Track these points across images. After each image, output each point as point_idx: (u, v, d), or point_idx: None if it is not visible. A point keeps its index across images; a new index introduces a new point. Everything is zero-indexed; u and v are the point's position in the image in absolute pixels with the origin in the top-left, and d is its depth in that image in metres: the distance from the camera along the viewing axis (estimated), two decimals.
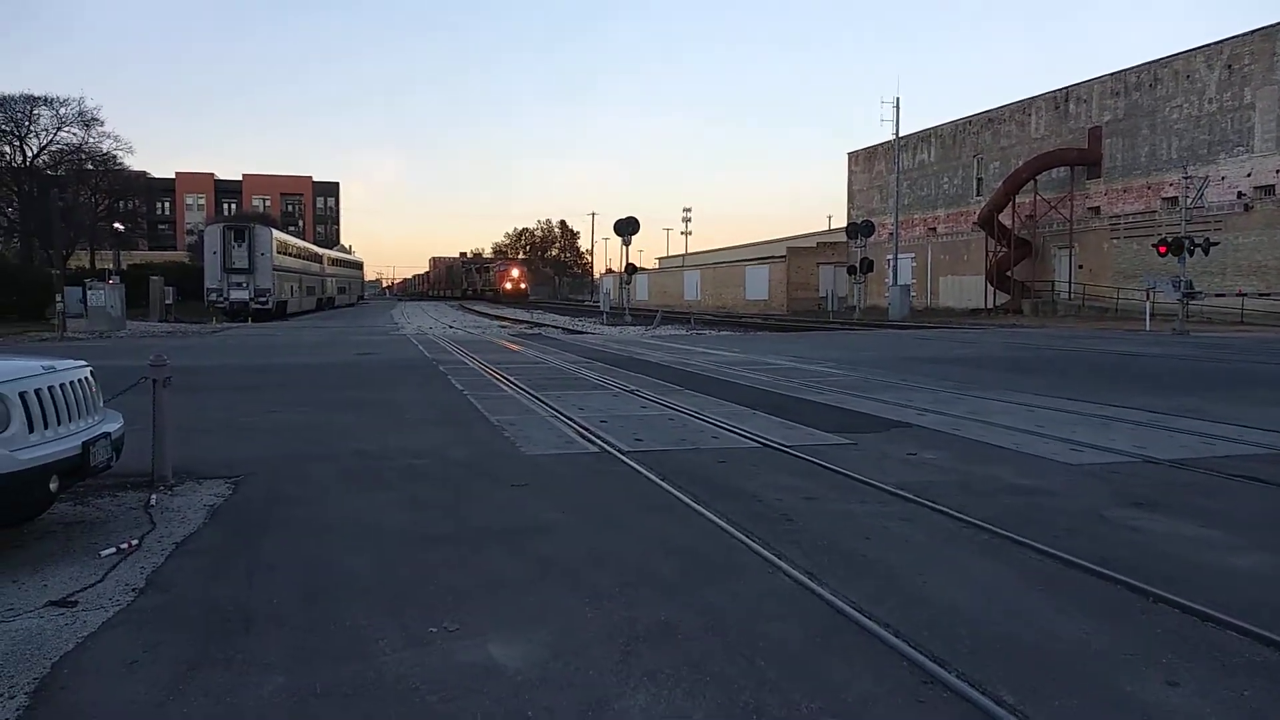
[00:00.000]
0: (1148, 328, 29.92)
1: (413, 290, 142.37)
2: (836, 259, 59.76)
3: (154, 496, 6.27)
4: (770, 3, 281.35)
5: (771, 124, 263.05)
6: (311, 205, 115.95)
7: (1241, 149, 36.01)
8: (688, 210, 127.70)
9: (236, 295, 44.45)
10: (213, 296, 44.44)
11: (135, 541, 5.21)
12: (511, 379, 14.41)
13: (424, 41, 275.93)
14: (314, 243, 76.07)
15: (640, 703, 3.26)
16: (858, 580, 4.55)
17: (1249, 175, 35.61)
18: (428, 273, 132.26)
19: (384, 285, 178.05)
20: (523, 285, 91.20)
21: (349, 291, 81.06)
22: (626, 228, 41.95)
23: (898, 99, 52.59)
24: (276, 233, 49.77)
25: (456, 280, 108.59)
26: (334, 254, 77.02)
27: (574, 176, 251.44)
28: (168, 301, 42.43)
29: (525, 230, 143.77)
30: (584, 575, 4.65)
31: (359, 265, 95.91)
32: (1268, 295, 32.58)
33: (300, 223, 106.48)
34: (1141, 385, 13.71)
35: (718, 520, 5.66)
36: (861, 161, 64.36)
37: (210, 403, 11.46)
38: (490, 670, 3.52)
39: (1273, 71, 34.80)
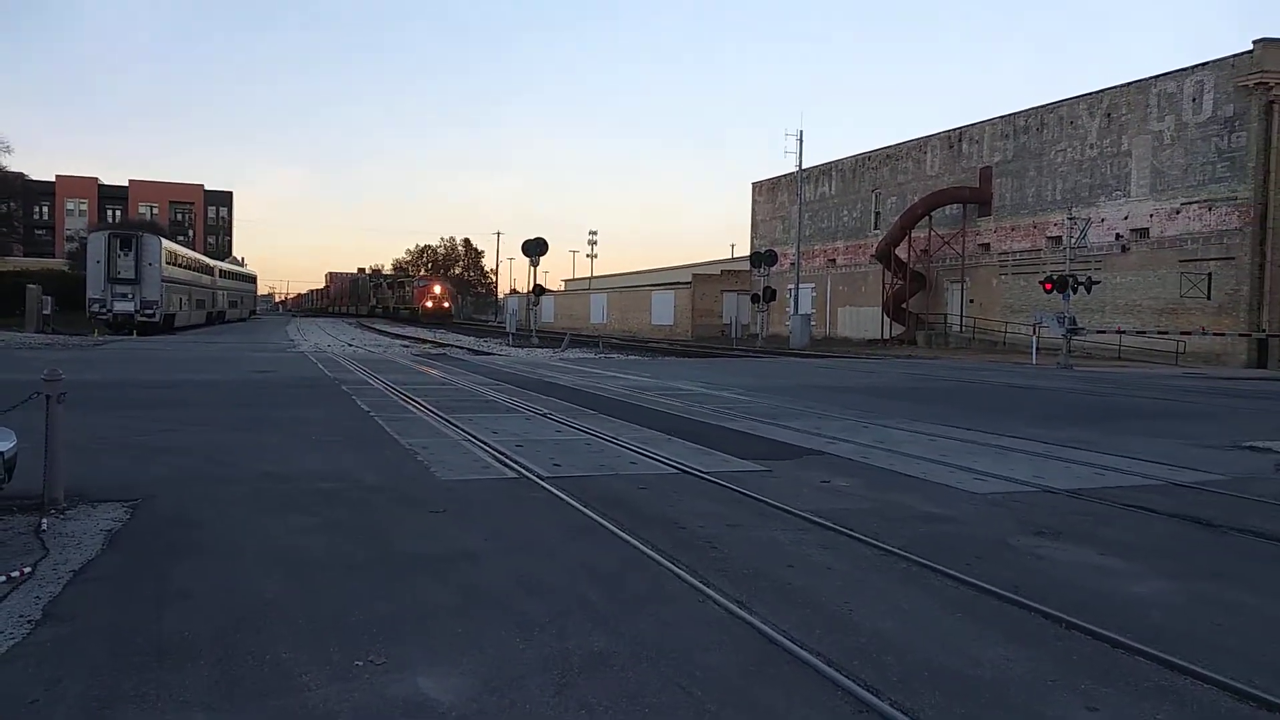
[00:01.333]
0: (1034, 361, 31.34)
1: (309, 306, 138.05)
2: (740, 287, 60.79)
3: (45, 521, 5.90)
4: (676, 34, 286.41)
5: (677, 152, 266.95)
6: (203, 215, 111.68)
7: (1120, 193, 38.20)
8: (594, 233, 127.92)
9: (121, 307, 42.39)
10: (95, 308, 42.25)
11: (28, 569, 4.88)
12: (419, 400, 14.13)
13: (327, 55, 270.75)
14: (205, 254, 73.26)
15: None
16: (786, 608, 4.60)
17: (1126, 218, 37.78)
18: (326, 288, 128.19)
19: (278, 300, 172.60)
20: (445, 304, 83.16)
21: (241, 305, 78.32)
22: (535, 248, 41.81)
23: (801, 132, 53.89)
24: (166, 242, 47.71)
25: (363, 295, 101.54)
26: (226, 266, 74.27)
27: (479, 196, 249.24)
28: (45, 311, 40.29)
29: (428, 247, 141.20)
30: (512, 604, 4.57)
31: (252, 279, 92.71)
32: (1143, 333, 34.55)
33: (191, 232, 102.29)
34: (1033, 416, 14.33)
35: (643, 547, 5.65)
36: (765, 192, 65.76)
37: (98, 421, 10.87)
38: (422, 705, 3.42)
39: (1146, 122, 37.08)
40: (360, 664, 3.77)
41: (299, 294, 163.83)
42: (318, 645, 3.95)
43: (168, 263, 45.77)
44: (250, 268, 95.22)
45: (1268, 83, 32.10)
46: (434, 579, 4.97)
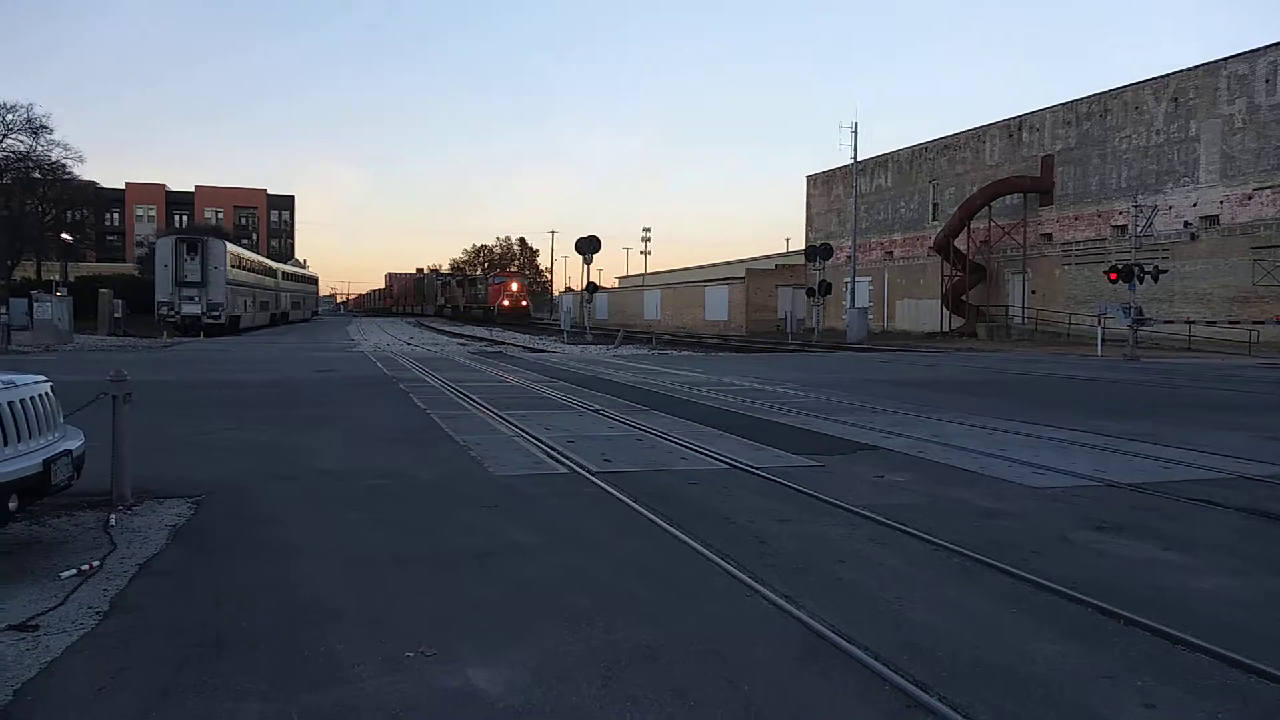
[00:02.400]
0: (1099, 352, 30.59)
1: (371, 306, 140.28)
2: (795, 281, 60.32)
3: (113, 516, 6.11)
4: (729, 27, 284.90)
5: (730, 146, 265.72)
6: (266, 218, 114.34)
7: (1188, 180, 37.08)
8: (647, 230, 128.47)
9: (188, 309, 43.65)
10: (163, 310, 43.56)
11: (96, 563, 5.06)
12: (474, 398, 14.30)
13: (382, 57, 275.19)
14: (268, 256, 75.01)
15: None
16: (835, 603, 4.56)
17: (1195, 205, 36.65)
18: (388, 288, 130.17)
19: (338, 300, 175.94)
20: (524, 302, 77.65)
21: (303, 306, 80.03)
22: (588, 246, 41.98)
23: (855, 124, 53.45)
24: (231, 246, 48.99)
25: (429, 295, 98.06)
26: (288, 268, 75.95)
27: (533, 195, 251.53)
28: (116, 315, 41.58)
29: (484, 247, 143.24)
30: (561, 598, 4.61)
31: (314, 280, 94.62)
32: (1214, 323, 33.49)
33: (254, 236, 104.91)
34: (1097, 409, 13.99)
35: (692, 542, 5.65)
36: (820, 185, 65.18)
37: (164, 419, 11.21)
38: (471, 696, 3.47)
39: (1215, 106, 35.92)
40: (411, 655, 3.84)
41: (360, 294, 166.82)
42: (370, 637, 4.03)
43: (232, 266, 46.98)
44: (312, 269, 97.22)
45: None
46: (485, 572, 5.04)
